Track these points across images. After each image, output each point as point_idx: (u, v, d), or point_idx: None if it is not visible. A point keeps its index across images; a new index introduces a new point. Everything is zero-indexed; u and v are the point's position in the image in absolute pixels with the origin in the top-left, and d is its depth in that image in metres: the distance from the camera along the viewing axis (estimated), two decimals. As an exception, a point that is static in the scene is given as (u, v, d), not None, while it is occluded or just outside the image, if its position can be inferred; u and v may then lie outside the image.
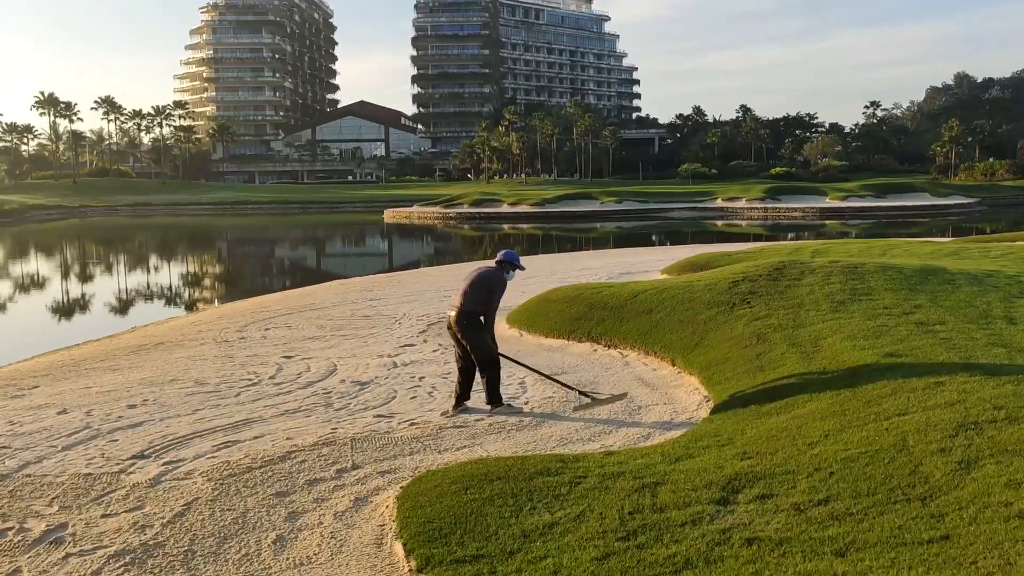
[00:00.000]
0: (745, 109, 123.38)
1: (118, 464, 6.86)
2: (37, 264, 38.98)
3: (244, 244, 53.02)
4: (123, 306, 22.93)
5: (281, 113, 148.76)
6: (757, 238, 42.93)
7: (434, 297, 17.21)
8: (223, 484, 6.30)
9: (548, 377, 9.02)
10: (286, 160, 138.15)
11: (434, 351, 11.60)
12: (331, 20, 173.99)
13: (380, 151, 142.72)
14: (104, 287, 28.46)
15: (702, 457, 6.06)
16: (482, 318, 8.50)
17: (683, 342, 9.87)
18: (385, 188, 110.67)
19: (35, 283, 30.37)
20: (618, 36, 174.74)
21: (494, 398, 8.43)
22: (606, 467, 6.01)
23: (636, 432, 7.64)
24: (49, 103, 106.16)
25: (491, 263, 9.01)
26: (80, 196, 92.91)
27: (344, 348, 12.06)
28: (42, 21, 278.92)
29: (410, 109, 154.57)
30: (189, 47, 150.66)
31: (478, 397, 8.66)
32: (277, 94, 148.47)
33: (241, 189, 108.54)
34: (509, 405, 8.58)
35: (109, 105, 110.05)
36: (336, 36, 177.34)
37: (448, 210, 68.36)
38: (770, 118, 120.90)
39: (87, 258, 42.49)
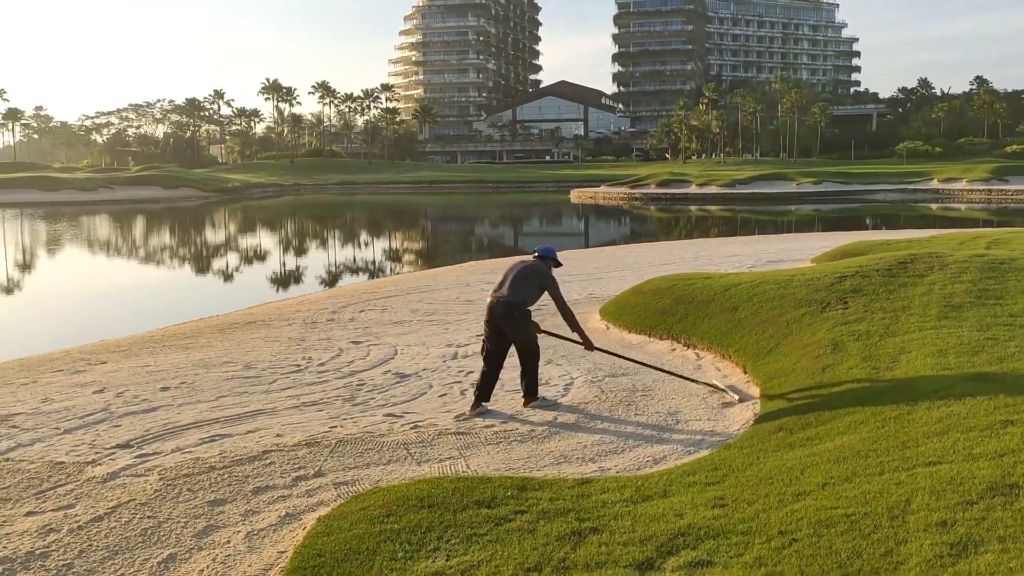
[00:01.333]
0: (980, 81, 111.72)
1: (97, 453, 6.67)
2: (223, 238, 41.83)
3: (426, 220, 54.39)
4: (272, 281, 23.81)
5: (484, 94, 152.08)
6: (973, 223, 38.25)
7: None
8: (170, 485, 5.92)
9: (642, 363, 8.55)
10: (487, 140, 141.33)
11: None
12: (535, 1, 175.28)
13: (579, 131, 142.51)
14: (269, 262, 29.87)
15: (675, 498, 4.96)
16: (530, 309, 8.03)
17: (758, 346, 8.51)
18: (579, 168, 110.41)
19: (207, 255, 32.48)
20: (837, 5, 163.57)
21: (532, 390, 8.05)
22: (558, 501, 5.06)
23: (652, 453, 6.53)
24: (273, 89, 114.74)
25: (539, 258, 8.35)
26: (295, 175, 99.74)
27: (420, 335, 11.56)
28: (273, 12, 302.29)
29: (610, 88, 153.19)
30: (403, 32, 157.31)
31: (497, 399, 7.83)
32: (481, 75, 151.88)
33: (439, 169, 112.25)
34: (543, 398, 8.13)
35: (324, 90, 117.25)
36: (540, 16, 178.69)
37: (634, 191, 66.80)
38: (1009, 90, 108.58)
39: (273, 233, 45.15)
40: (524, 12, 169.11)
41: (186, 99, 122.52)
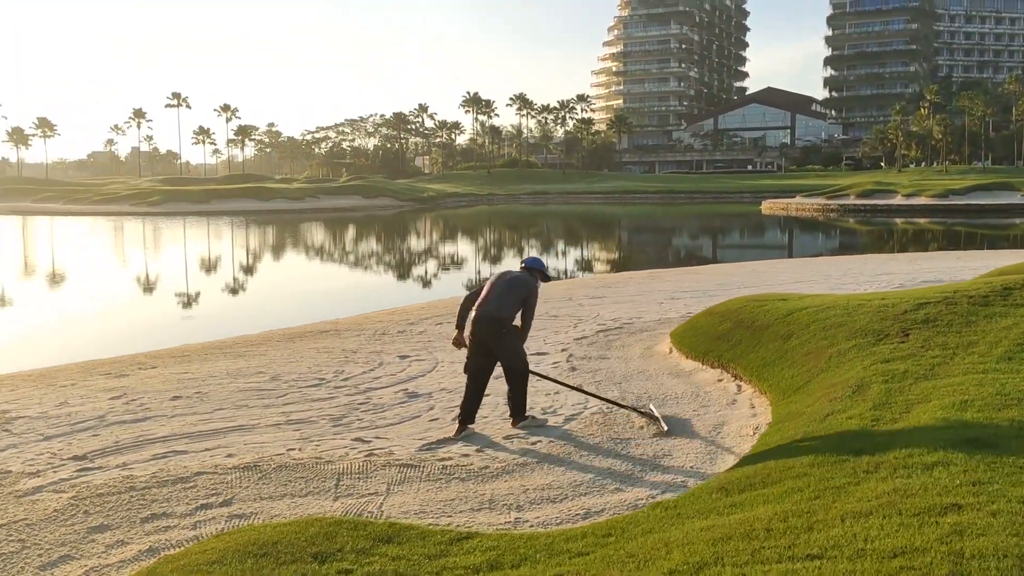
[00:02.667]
0: None
1: (48, 464, 6.65)
2: (389, 244, 43.10)
3: (596, 231, 53.53)
4: (399, 289, 23.97)
5: (684, 103, 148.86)
6: None
7: (652, 300, 15.27)
8: (74, 505, 5.74)
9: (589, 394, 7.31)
10: (686, 150, 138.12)
11: (555, 363, 10.01)
12: (744, 6, 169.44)
13: (785, 139, 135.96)
14: (415, 270, 30.19)
15: (524, 568, 4.12)
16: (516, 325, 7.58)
17: (793, 380, 7.26)
18: (780, 178, 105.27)
19: (359, 261, 33.39)
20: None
21: (519, 410, 7.53)
22: (400, 562, 4.39)
23: (592, 504, 5.64)
24: (473, 102, 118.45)
25: (519, 271, 7.89)
26: (490, 185, 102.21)
27: (474, 350, 10.98)
28: (478, 28, 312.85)
29: (821, 94, 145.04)
30: (605, 43, 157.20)
31: (488, 421, 7.13)
32: (682, 84, 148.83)
33: (633, 179, 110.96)
34: (533, 417, 7.62)
35: (522, 101, 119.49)
36: (748, 22, 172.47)
37: (830, 202, 62.45)
38: None
39: (443, 241, 46.03)
40: (731, 18, 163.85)
41: (393, 113, 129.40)
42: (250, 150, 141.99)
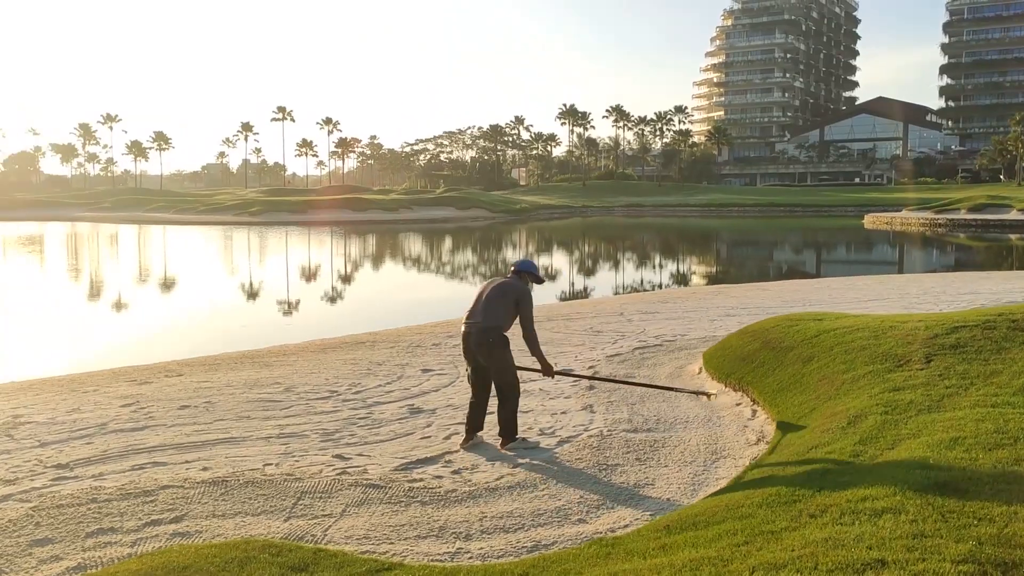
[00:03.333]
0: None
1: (29, 472, 6.64)
2: (466, 255, 43.01)
3: (689, 243, 52.27)
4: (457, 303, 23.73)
5: (788, 114, 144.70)
6: None
7: (706, 317, 14.59)
8: (29, 517, 5.66)
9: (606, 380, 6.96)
10: (790, 162, 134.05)
11: (573, 382, 9.59)
12: (854, 13, 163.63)
13: (897, 150, 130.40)
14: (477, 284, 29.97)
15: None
16: (507, 335, 7.21)
17: (800, 408, 6.69)
18: (889, 191, 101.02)
19: (432, 270, 33.33)
20: None
21: (509, 430, 7.18)
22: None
23: (544, 536, 5.28)
24: (569, 114, 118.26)
25: (512, 279, 7.52)
26: (585, 197, 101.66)
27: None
28: (577, 39, 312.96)
29: (936, 103, 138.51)
30: (708, 54, 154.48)
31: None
32: (786, 95, 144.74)
33: (732, 191, 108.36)
34: (524, 439, 7.27)
35: (618, 113, 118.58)
36: (859, 29, 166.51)
37: (938, 216, 59.31)
38: None
39: (526, 250, 45.74)
40: (840, 26, 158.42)
41: (490, 125, 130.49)
42: (352, 162, 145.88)
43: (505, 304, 7.09)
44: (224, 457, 7.00)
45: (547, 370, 7.35)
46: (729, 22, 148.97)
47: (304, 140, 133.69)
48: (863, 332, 7.66)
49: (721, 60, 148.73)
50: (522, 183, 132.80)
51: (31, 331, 17.06)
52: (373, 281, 30.13)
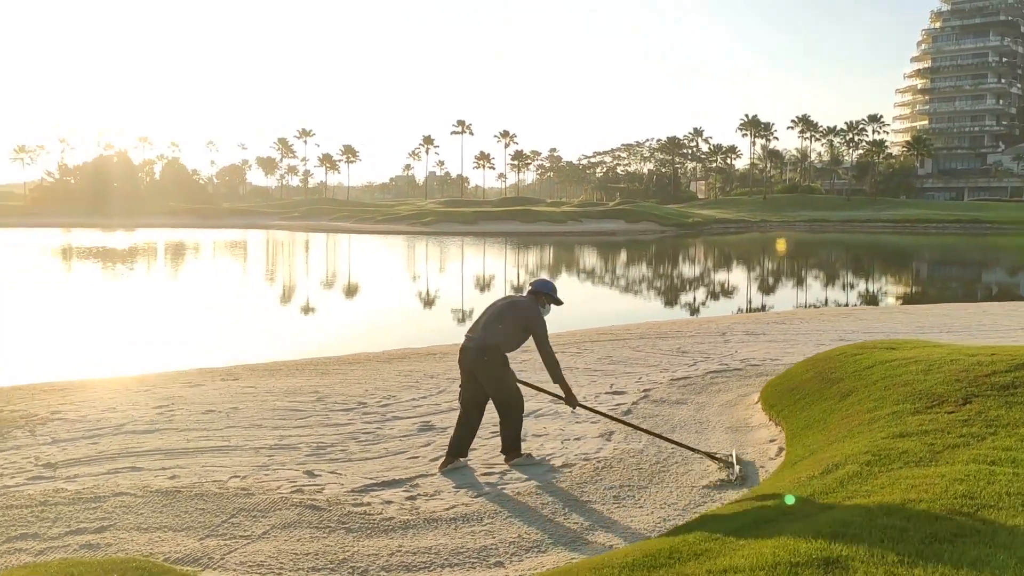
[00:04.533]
0: None
1: (16, 471, 6.73)
2: (608, 269, 41.87)
3: (857, 261, 48.50)
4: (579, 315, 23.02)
5: (1003, 122, 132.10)
6: None
7: (812, 341, 13.16)
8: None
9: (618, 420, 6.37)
10: (1004, 174, 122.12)
11: (618, 404, 8.81)
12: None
13: None
14: (615, 298, 29.04)
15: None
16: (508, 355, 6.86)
17: (808, 448, 5.80)
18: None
19: (578, 280, 32.54)
20: None
21: (512, 447, 6.78)
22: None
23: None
24: (751, 125, 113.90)
25: (521, 296, 7.22)
26: (765, 211, 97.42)
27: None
28: (763, 48, 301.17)
29: None
30: (913, 59, 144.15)
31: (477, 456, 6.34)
32: (1000, 102, 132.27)
33: (931, 206, 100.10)
34: (530, 455, 6.88)
35: (805, 123, 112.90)
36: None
37: None
38: None
39: (671, 269, 44.05)
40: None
41: (667, 137, 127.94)
42: (532, 174, 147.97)
43: (511, 324, 6.72)
44: (201, 466, 6.84)
45: (571, 400, 6.81)
46: (937, 24, 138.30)
47: (482, 153, 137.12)
48: (918, 365, 6.44)
49: (927, 65, 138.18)
50: (700, 196, 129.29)
51: (148, 330, 18.11)
52: (502, 292, 30.00)
